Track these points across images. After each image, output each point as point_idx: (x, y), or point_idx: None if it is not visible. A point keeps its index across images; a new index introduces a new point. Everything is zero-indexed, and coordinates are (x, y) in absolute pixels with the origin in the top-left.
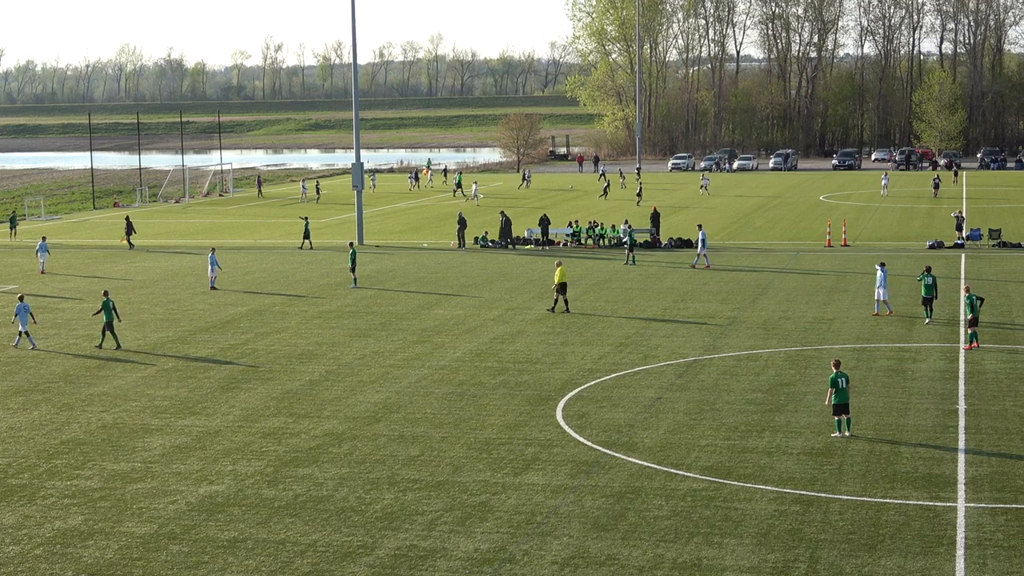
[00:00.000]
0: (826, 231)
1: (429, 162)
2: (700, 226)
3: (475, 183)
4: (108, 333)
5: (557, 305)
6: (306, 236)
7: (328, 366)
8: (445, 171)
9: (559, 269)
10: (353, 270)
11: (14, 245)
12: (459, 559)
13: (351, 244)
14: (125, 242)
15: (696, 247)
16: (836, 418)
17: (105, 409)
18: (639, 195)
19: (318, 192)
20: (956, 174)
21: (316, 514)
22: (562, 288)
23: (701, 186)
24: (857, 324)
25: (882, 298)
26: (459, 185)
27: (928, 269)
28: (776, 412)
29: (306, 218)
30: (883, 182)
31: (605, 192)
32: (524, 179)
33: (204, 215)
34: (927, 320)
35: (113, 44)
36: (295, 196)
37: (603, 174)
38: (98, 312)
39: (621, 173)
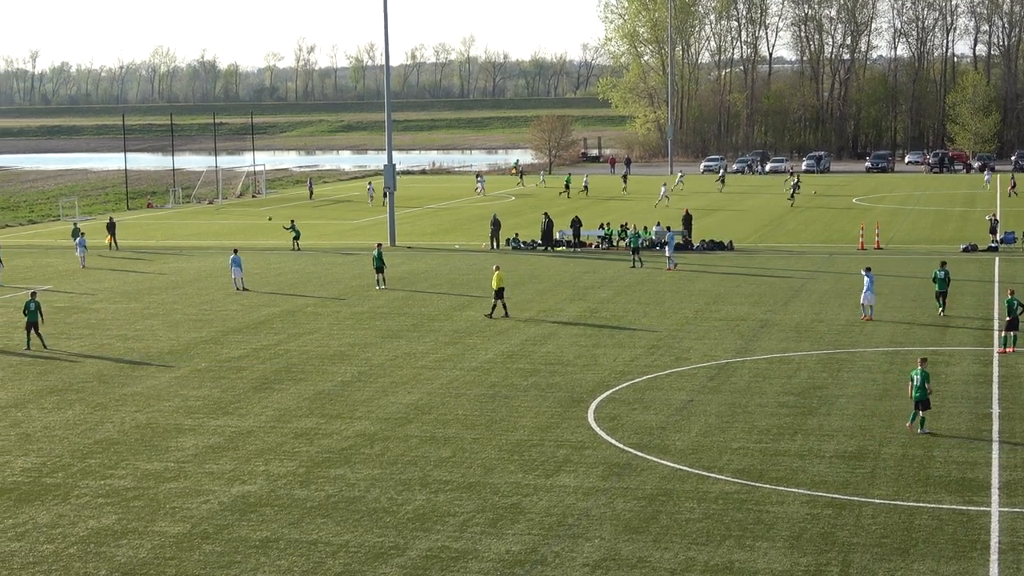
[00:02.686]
0: (859, 234)
1: (517, 162)
2: (668, 228)
3: (585, 180)
4: (34, 333)
5: (495, 310)
6: (295, 238)
7: (360, 367)
8: (521, 173)
9: (496, 274)
10: (380, 271)
11: (65, 245)
12: (490, 560)
13: (378, 245)
14: (110, 241)
15: (665, 249)
16: (914, 411)
17: (139, 409)
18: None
19: (385, 195)
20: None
21: (348, 515)
22: (499, 293)
23: (718, 179)
24: (890, 327)
25: (867, 302)
26: (568, 186)
27: (943, 264)
28: (808, 415)
29: (292, 221)
30: (986, 178)
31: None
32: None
33: (237, 216)
34: (940, 312)
35: (147, 46)
36: (338, 196)
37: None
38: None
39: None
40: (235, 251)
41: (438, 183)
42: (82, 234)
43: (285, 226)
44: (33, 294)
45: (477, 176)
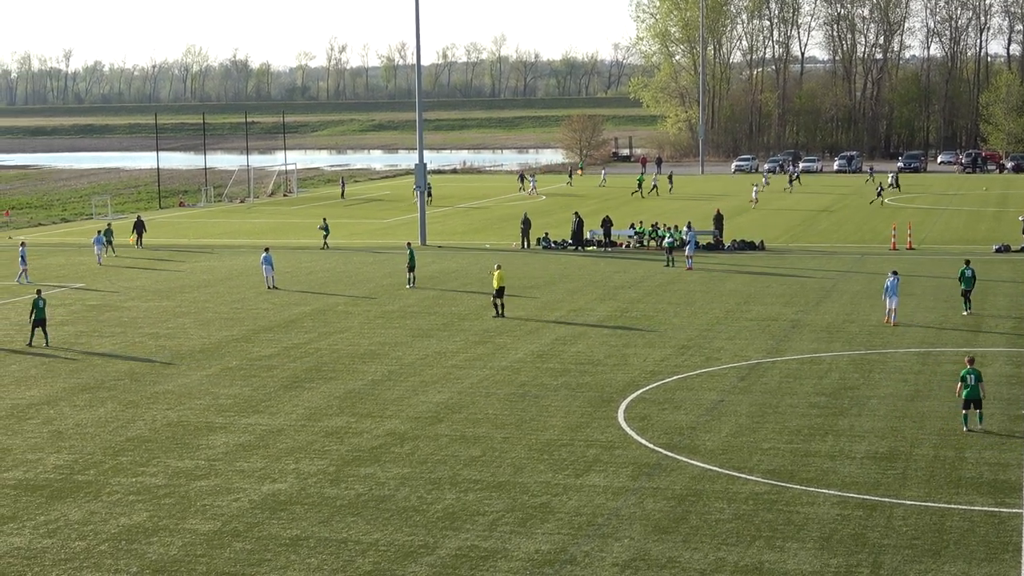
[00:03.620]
0: (891, 234)
1: (581, 163)
2: (687, 227)
3: (655, 179)
4: (39, 330)
5: (498, 310)
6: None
7: (390, 366)
8: (571, 172)
9: (497, 272)
10: (411, 270)
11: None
12: (520, 560)
13: (408, 244)
14: (134, 239)
15: (685, 248)
16: (964, 412)
17: (170, 407)
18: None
19: (430, 193)
20: None
21: (378, 513)
22: (500, 292)
23: (793, 178)
24: (922, 328)
25: (891, 306)
26: (640, 185)
27: (967, 262)
28: (839, 416)
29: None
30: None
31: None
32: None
33: (268, 215)
34: (966, 312)
35: (179, 45)
36: (369, 195)
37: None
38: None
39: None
40: (266, 250)
41: (469, 182)
42: (99, 232)
43: (319, 225)
44: (39, 292)
45: (521, 177)
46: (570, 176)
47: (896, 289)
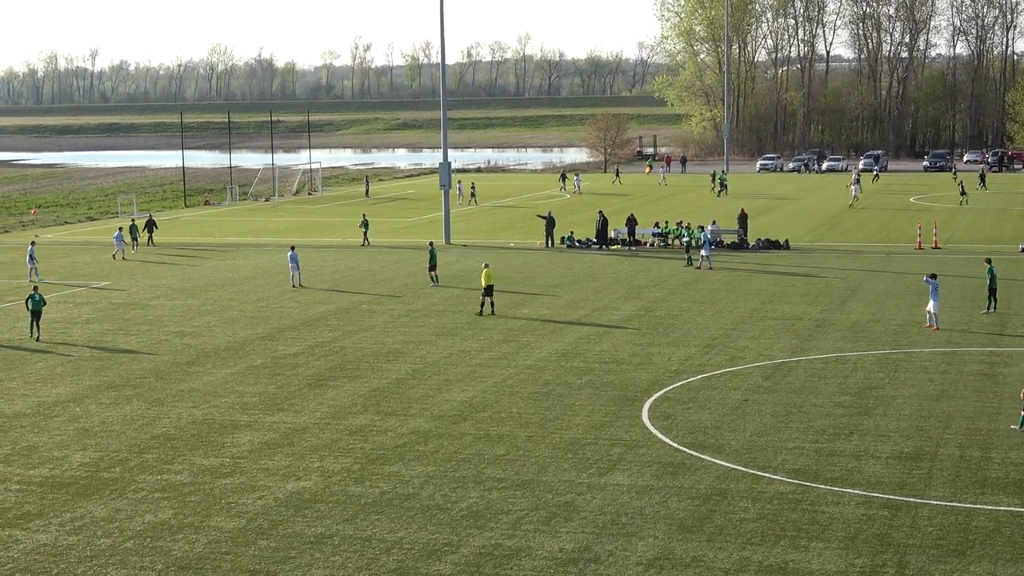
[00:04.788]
0: (916, 233)
1: (652, 159)
2: (702, 227)
3: (723, 179)
4: (35, 323)
5: (484, 308)
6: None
7: (415, 364)
8: (617, 171)
9: (486, 271)
10: (433, 268)
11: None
12: (544, 559)
13: (431, 243)
14: (147, 238)
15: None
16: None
17: (195, 405)
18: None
19: (473, 193)
20: None
21: (402, 511)
22: (488, 290)
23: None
24: (947, 328)
25: (933, 310)
26: (724, 185)
27: (988, 260)
28: (865, 415)
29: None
30: None
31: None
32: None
33: (293, 213)
34: (989, 310)
35: (205, 44)
36: (394, 194)
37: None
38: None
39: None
40: (292, 248)
41: (493, 181)
42: (119, 228)
43: (360, 223)
44: (36, 288)
45: (563, 176)
46: (617, 174)
47: (934, 293)
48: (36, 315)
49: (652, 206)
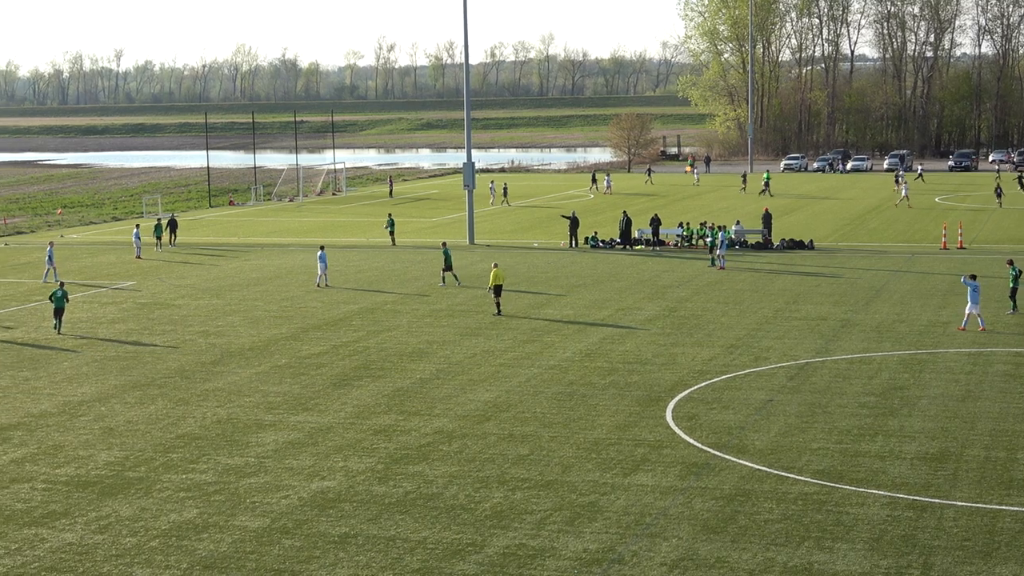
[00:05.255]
0: (942, 233)
1: (692, 160)
2: (721, 227)
3: (768, 179)
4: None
5: (499, 307)
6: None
7: (439, 364)
8: (649, 170)
9: (494, 271)
10: (449, 269)
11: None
12: (568, 559)
13: (444, 244)
14: (170, 238)
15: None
16: None
17: (220, 404)
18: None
19: (505, 193)
20: None
21: (426, 511)
22: (497, 290)
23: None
24: (972, 329)
25: (975, 312)
26: (767, 185)
27: (1011, 262)
28: (889, 416)
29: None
30: None
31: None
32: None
33: (317, 213)
34: (1011, 311)
35: (229, 45)
36: (417, 194)
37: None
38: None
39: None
40: (321, 248)
41: (517, 181)
42: (137, 227)
43: (384, 225)
44: (62, 284)
45: (593, 176)
46: (648, 174)
47: (974, 295)
48: (59, 311)
49: (676, 206)
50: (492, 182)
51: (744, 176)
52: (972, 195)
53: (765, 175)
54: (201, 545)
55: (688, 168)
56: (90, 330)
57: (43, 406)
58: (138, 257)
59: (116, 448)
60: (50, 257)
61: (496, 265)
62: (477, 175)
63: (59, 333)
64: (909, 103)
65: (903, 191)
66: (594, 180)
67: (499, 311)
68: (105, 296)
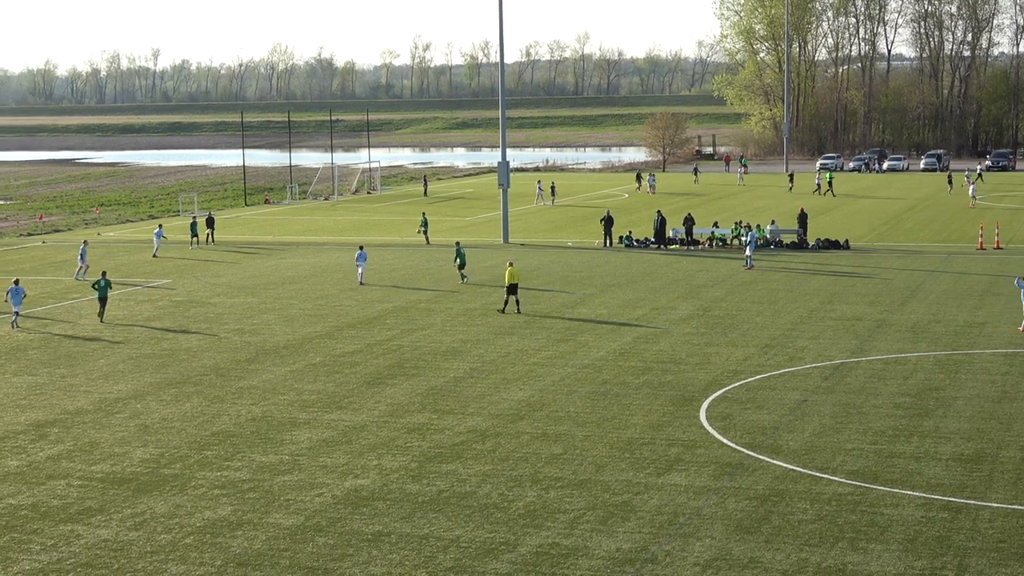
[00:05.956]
0: (978, 233)
1: (744, 160)
2: (750, 226)
3: (831, 178)
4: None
5: (508, 306)
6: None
7: (472, 363)
8: (696, 169)
9: (510, 269)
10: (462, 267)
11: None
12: (601, 558)
13: (457, 243)
14: (205, 239)
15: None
16: None
17: (254, 402)
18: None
19: (553, 192)
20: None
21: (459, 510)
22: (512, 289)
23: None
24: (1009, 329)
25: None
26: (830, 185)
27: None
28: (925, 417)
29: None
30: None
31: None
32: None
33: (353, 212)
34: None
35: (265, 44)
36: (452, 193)
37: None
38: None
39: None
40: (361, 247)
41: (552, 180)
42: (159, 225)
43: (419, 229)
44: (104, 273)
45: (638, 175)
46: (695, 172)
47: None
48: (102, 300)
49: (711, 205)
50: (540, 181)
51: (791, 176)
52: (1009, 195)
53: (828, 176)
54: (235, 542)
55: (744, 168)
56: (126, 327)
57: (79, 403)
58: (155, 256)
59: (151, 445)
60: (82, 255)
61: (511, 264)
62: (524, 174)
63: (102, 321)
64: (946, 103)
65: (970, 191)
66: (639, 179)
67: (516, 309)
68: (141, 294)
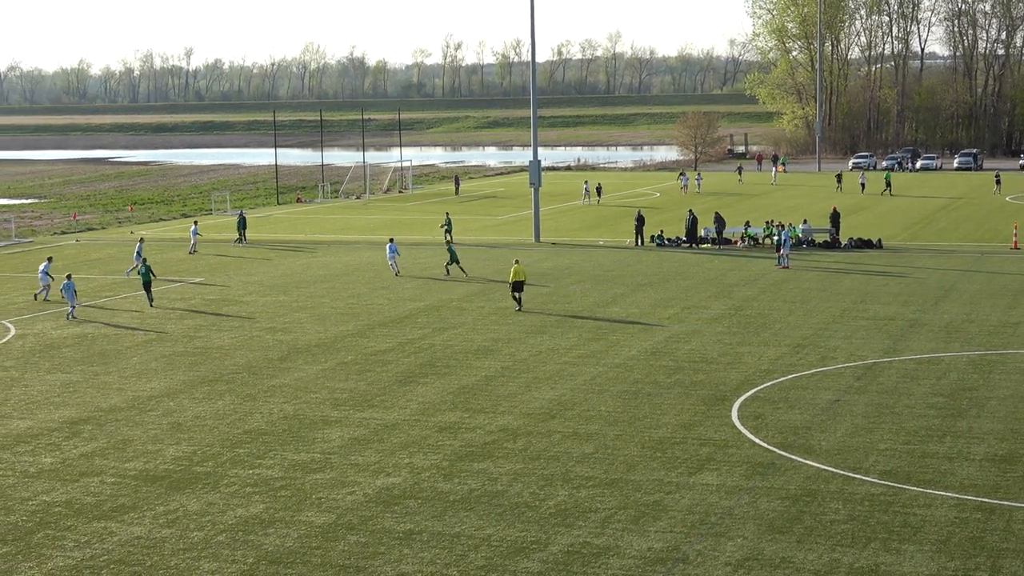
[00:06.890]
0: (1012, 233)
1: (784, 159)
2: (782, 225)
3: (888, 177)
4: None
5: (520, 304)
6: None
7: (504, 362)
8: (739, 169)
9: (515, 267)
10: (455, 262)
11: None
12: (632, 558)
13: (448, 242)
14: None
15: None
16: None
17: (287, 400)
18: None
19: (599, 192)
20: None
21: (490, 509)
22: (517, 286)
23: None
24: None
25: None
26: (888, 184)
27: None
28: (958, 417)
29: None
30: None
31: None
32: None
33: (384, 211)
34: None
35: (297, 43)
36: (484, 192)
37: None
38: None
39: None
40: (391, 240)
41: (583, 179)
42: (196, 222)
43: (441, 224)
44: (144, 260)
45: (681, 173)
46: (739, 172)
47: None
48: (147, 285)
49: (743, 204)
50: (587, 181)
51: (839, 176)
52: None
53: (886, 175)
54: (267, 540)
55: (780, 167)
56: (159, 325)
57: (112, 400)
58: (191, 253)
59: (184, 443)
60: (139, 253)
61: (517, 261)
62: (556, 173)
63: (152, 306)
64: (980, 101)
65: None
66: (683, 176)
67: (518, 307)
68: (174, 292)
